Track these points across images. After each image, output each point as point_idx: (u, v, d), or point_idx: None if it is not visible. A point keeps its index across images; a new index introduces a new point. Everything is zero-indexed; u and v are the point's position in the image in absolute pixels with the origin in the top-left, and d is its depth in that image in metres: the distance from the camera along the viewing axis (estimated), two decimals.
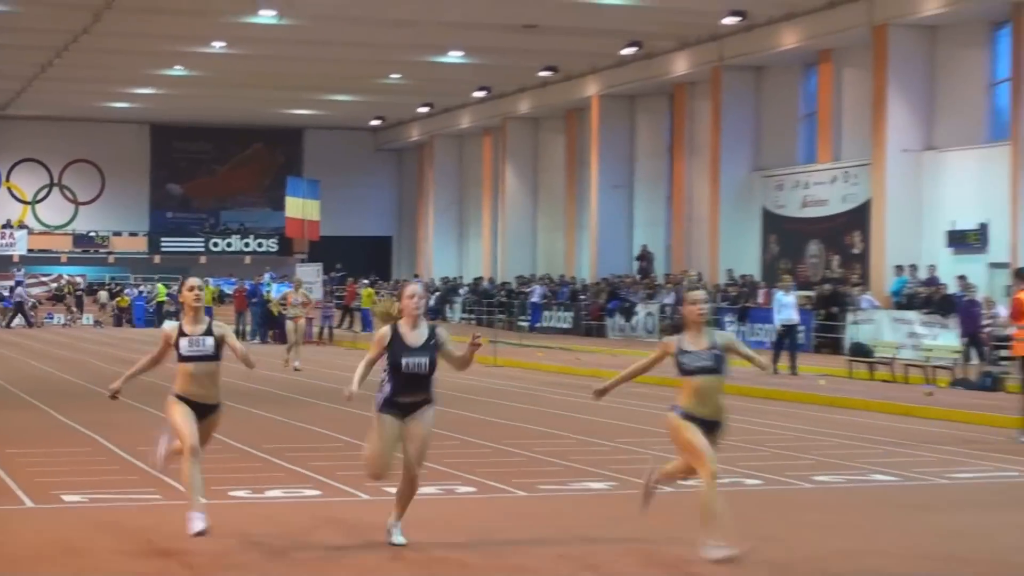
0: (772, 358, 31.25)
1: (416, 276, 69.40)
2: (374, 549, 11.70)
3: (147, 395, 20.14)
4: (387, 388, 11.68)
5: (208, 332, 11.76)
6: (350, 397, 11.63)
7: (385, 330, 11.71)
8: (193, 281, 12.09)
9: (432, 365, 11.65)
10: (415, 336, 11.63)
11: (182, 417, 11.60)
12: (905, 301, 37.06)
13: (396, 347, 11.57)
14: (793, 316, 32.42)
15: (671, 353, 11.52)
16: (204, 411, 11.76)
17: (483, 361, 37.79)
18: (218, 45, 53.28)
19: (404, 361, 11.50)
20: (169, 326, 12.18)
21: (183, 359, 11.70)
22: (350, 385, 11.52)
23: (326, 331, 50.08)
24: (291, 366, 32.43)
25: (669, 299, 48.68)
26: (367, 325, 52.49)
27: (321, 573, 11.11)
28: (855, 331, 34.39)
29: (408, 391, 11.66)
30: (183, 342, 11.69)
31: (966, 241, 41.76)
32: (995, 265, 39.97)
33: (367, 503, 14.03)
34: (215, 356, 11.79)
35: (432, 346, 11.63)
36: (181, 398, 11.68)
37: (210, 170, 79.40)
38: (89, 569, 11.01)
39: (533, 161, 67.85)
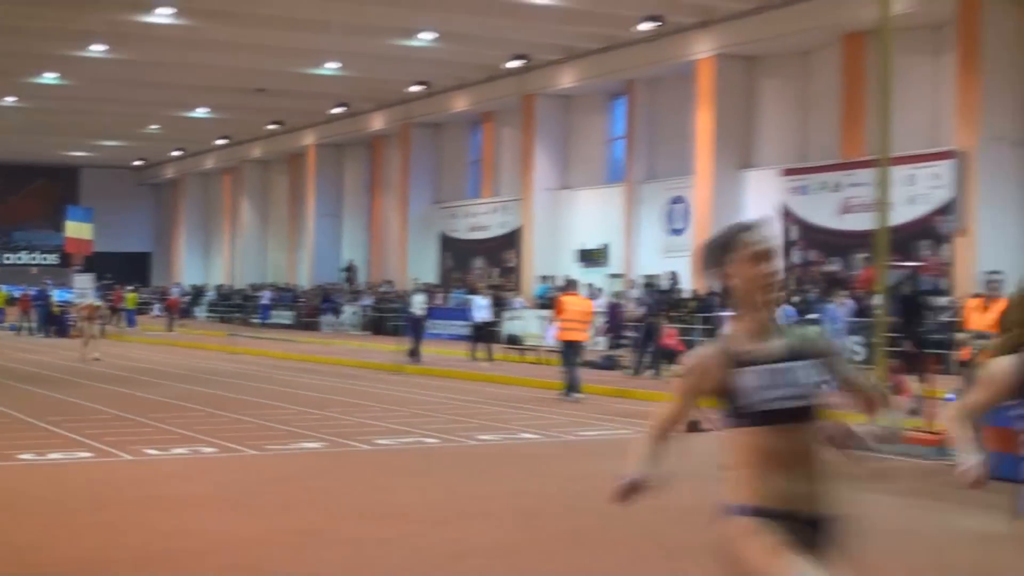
0: (471, 349, 31.52)
1: (177, 284, 68.19)
2: (135, 498, 11.46)
3: None
4: None
5: None
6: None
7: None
8: None
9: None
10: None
11: None
12: (546, 302, 37.75)
13: None
14: (488, 315, 32.47)
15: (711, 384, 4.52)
16: None
17: (223, 349, 37.41)
18: (10, 100, 51.43)
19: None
20: None
21: None
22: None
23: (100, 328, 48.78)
24: (91, 357, 31.15)
25: (369, 301, 49.30)
26: (131, 322, 51.61)
27: (92, 517, 10.80)
28: (510, 325, 34.83)
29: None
30: None
31: (592, 257, 42.82)
32: (613, 275, 41.20)
33: (129, 462, 13.72)
34: None
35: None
36: None
37: (3, 199, 76.45)
38: None
39: (263, 195, 67.12)
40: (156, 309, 56.10)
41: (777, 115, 37.28)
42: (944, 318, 27.57)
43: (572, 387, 21.79)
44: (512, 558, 8.93)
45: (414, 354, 30.08)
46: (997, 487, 12.43)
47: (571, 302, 22.81)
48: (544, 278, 41.62)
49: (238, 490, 12.00)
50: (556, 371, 22.81)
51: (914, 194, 31.34)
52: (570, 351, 22.16)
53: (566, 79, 42.65)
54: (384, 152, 55.91)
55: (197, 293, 66.01)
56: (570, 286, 24.36)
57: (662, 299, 34.42)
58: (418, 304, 31.90)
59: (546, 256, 44.14)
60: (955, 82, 30.65)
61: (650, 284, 35.32)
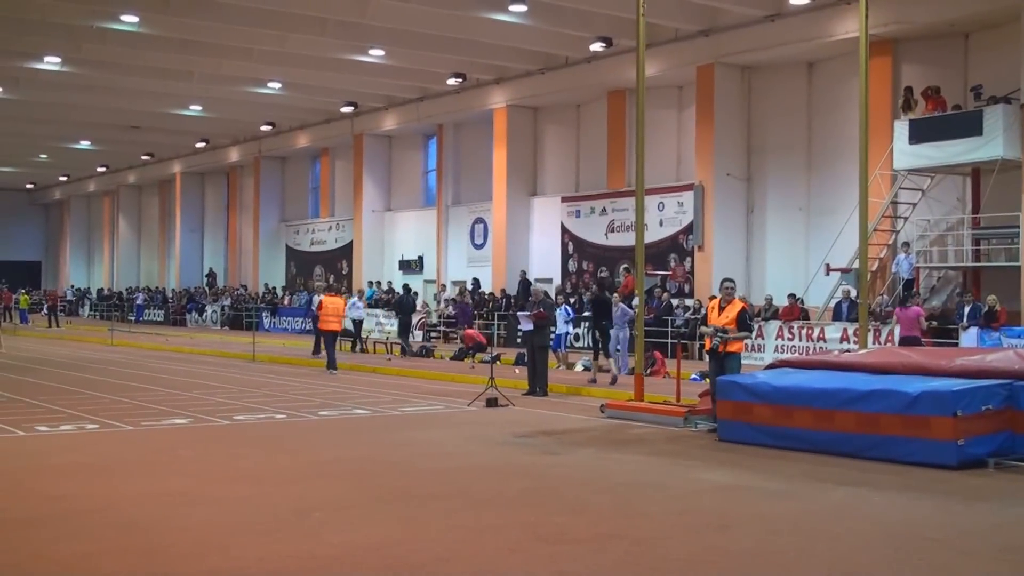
0: (353, 346, 30.82)
1: (73, 287, 65.97)
2: (28, 467, 10.94)
3: None
4: None
5: None
6: None
7: None
8: None
9: None
10: None
11: None
12: (373, 303, 37.46)
13: None
14: (362, 315, 31.79)
15: None
16: None
17: (104, 342, 36.07)
18: None
19: None
20: None
21: None
22: None
23: None
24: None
25: (227, 301, 48.24)
26: (24, 319, 49.51)
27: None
28: (347, 322, 34.41)
29: None
30: None
31: (411, 266, 42.64)
32: (428, 281, 41.13)
33: (22, 437, 13.11)
34: None
35: None
36: None
37: None
38: None
39: (138, 213, 64.98)
40: (45, 309, 53.97)
41: (557, 153, 37.73)
42: (689, 315, 28.30)
43: (331, 365, 23.62)
44: (348, 511, 8.80)
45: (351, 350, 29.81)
46: (730, 448, 12.79)
47: (330, 301, 24.64)
48: (371, 283, 41.31)
49: (118, 459, 11.55)
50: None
51: (664, 218, 32.12)
52: (330, 338, 24.09)
53: (388, 122, 42.43)
54: (239, 179, 54.81)
55: (83, 295, 64.10)
56: (330, 288, 25.87)
57: (469, 301, 34.52)
58: (359, 307, 30.92)
59: (373, 265, 43.90)
60: (694, 130, 31.46)
61: (461, 291, 35.37)
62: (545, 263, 36.72)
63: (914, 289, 24.80)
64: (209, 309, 48.72)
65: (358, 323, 31.19)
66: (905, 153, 25.68)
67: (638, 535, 7.94)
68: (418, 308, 35.48)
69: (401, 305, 31.42)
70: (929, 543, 7.82)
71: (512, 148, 37.51)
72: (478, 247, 39.61)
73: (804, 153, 30.26)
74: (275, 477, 10.48)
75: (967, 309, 23.15)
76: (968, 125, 24.55)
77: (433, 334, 35.17)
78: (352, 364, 25.59)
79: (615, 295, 22.75)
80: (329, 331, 24.19)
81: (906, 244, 26.24)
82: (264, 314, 43.90)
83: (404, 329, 30.64)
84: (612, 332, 21.54)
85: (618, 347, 21.93)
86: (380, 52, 33.92)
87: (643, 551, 7.48)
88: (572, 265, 35.90)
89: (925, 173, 26.27)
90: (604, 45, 31.28)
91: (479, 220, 39.63)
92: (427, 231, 41.97)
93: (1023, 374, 11.53)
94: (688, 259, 31.67)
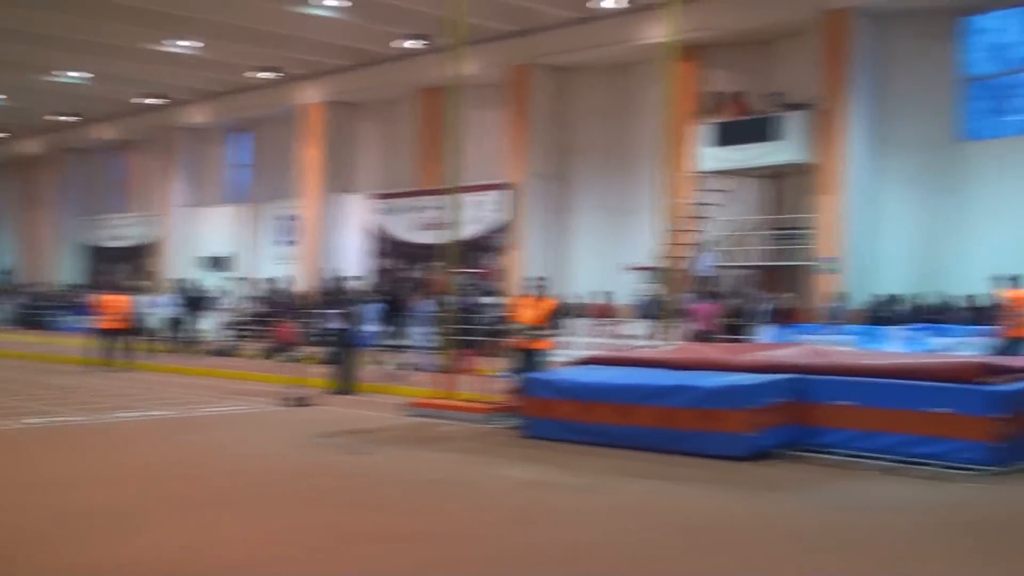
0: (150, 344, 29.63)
1: None
2: None
3: None
4: None
5: None
6: None
7: None
8: None
9: None
10: None
11: None
12: (176, 300, 36.36)
13: None
14: (166, 312, 30.44)
15: None
16: None
17: None
18: None
19: None
20: None
21: None
22: None
23: None
24: None
25: (21, 300, 46.17)
26: None
27: None
28: (150, 319, 33.26)
29: None
30: None
31: (219, 264, 41.63)
32: (240, 279, 40.20)
33: None
34: None
35: None
36: None
37: None
38: None
39: None
40: None
41: (371, 151, 37.46)
42: (499, 313, 28.45)
43: (113, 365, 23.33)
44: (135, 518, 8.43)
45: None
46: (535, 444, 12.87)
47: (109, 300, 24.47)
48: (175, 280, 40.18)
49: None
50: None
51: (477, 216, 32.22)
52: (110, 337, 23.69)
53: (199, 116, 41.37)
54: (39, 173, 52.40)
55: None
56: (114, 288, 25.67)
57: (280, 298, 33.90)
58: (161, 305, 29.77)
59: (180, 262, 42.64)
60: (509, 130, 31.71)
61: (271, 289, 34.73)
62: (356, 261, 36.41)
63: (714, 287, 25.62)
64: (6, 306, 46.50)
65: (167, 320, 30.32)
66: (709, 156, 26.51)
67: (442, 533, 7.89)
68: (224, 305, 34.66)
69: (196, 301, 30.70)
70: (720, 531, 8.05)
71: (325, 144, 37.09)
72: (290, 244, 38.97)
73: (614, 154, 30.88)
74: (62, 481, 9.97)
75: (763, 307, 24.02)
76: (769, 130, 25.53)
77: (242, 331, 34.39)
78: (151, 365, 24.76)
79: (421, 292, 22.76)
80: (109, 329, 23.96)
81: (709, 243, 27.08)
82: (60, 313, 42.12)
83: (199, 326, 30.00)
84: (416, 329, 21.53)
85: (424, 343, 21.92)
86: (191, 44, 32.99)
87: (447, 549, 7.43)
88: (383, 263, 35.69)
89: (728, 175, 27.17)
90: (420, 43, 31.20)
91: (290, 217, 38.99)
92: (237, 227, 41.07)
93: (811, 368, 12.00)
94: (500, 257, 31.89)
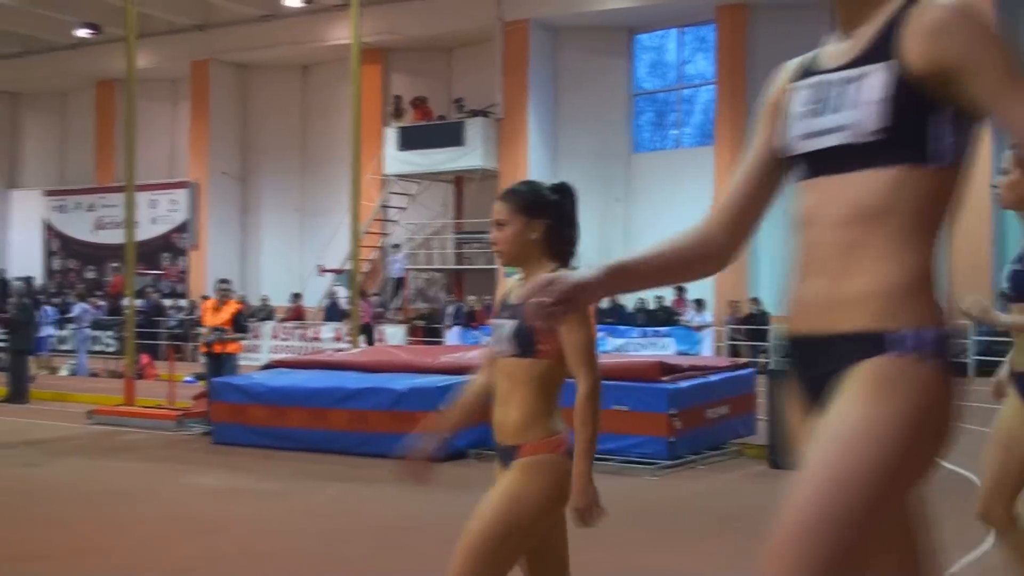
0: None
1: None
2: None
3: None
4: None
5: None
6: None
7: None
8: None
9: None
10: None
11: None
12: None
13: None
14: None
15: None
16: None
17: None
18: None
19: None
20: None
21: None
22: None
23: None
24: None
25: None
26: None
27: None
28: None
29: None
30: None
31: None
32: None
33: None
34: None
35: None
36: None
37: None
38: None
39: None
40: None
41: (41, 144, 35.38)
42: (183, 315, 27.60)
43: None
44: None
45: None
46: (226, 451, 12.64)
47: None
48: None
49: None
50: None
51: (156, 215, 31.11)
52: None
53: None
54: None
55: None
56: None
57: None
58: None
59: None
60: (189, 126, 30.84)
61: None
62: (26, 261, 34.22)
63: (403, 290, 25.99)
64: None
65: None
66: (395, 159, 26.84)
67: (122, 545, 7.62)
68: None
69: None
70: (412, 532, 8.21)
71: None
72: None
73: (299, 155, 30.67)
74: None
75: (451, 309, 24.59)
76: (451, 135, 26.15)
77: None
78: None
79: (95, 294, 21.86)
80: None
81: (396, 246, 27.40)
82: None
83: None
84: (85, 333, 20.73)
85: (90, 347, 21.10)
86: None
87: (125, 562, 7.18)
88: (57, 263, 33.80)
89: (413, 179, 27.60)
90: (91, 32, 29.78)
91: None
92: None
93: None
94: (182, 258, 30.96)
